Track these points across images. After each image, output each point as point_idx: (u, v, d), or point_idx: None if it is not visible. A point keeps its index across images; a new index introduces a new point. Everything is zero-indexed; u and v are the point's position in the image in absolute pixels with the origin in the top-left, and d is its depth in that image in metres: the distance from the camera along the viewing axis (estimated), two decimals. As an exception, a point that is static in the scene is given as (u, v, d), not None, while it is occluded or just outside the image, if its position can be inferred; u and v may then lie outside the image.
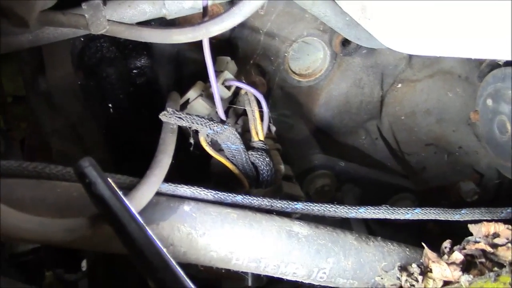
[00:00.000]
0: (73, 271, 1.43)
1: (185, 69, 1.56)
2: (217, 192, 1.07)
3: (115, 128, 1.53)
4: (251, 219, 1.06)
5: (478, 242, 1.08)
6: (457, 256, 1.06)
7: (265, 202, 1.10)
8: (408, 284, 1.07)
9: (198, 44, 1.12)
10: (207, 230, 1.01)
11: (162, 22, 1.34)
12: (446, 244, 1.11)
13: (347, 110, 1.77)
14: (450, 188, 1.82)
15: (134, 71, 1.55)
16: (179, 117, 1.15)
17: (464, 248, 1.08)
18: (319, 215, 1.13)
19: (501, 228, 1.11)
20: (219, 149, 1.22)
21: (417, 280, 1.07)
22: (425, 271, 1.09)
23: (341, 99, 1.75)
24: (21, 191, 0.93)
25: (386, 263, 1.12)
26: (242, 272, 1.10)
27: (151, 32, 1.05)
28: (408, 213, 1.14)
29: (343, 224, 1.28)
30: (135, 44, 1.51)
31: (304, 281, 1.11)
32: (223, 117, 1.26)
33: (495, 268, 1.02)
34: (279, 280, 1.11)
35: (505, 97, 1.55)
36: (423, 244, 1.12)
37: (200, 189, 1.06)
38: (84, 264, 1.43)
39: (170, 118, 1.15)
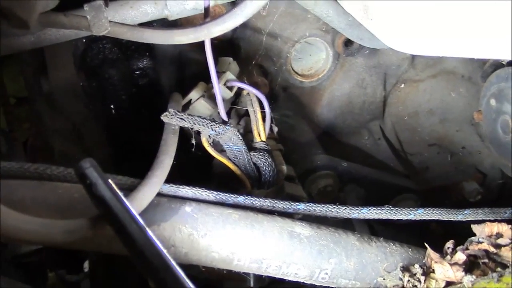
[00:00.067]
0: (75, 272, 1.43)
1: (187, 70, 1.56)
2: (218, 193, 1.06)
3: (117, 128, 1.53)
4: (253, 220, 1.05)
5: (481, 242, 1.08)
6: (460, 256, 1.05)
7: (267, 203, 1.09)
8: (410, 284, 1.07)
9: (200, 45, 1.12)
10: (209, 231, 1.01)
11: (164, 23, 1.35)
12: (449, 244, 1.11)
13: (349, 110, 1.77)
14: (453, 188, 1.82)
15: (136, 72, 1.54)
16: (181, 118, 1.15)
17: (467, 249, 1.08)
18: (321, 215, 1.13)
19: (504, 228, 1.11)
20: (221, 150, 1.22)
21: (419, 281, 1.07)
22: (427, 272, 1.08)
23: (343, 99, 1.75)
24: (22, 192, 0.93)
25: (388, 264, 1.11)
26: (243, 273, 1.10)
27: (153, 33, 1.04)
28: (411, 214, 1.14)
29: (346, 225, 1.27)
30: (137, 45, 1.51)
31: (306, 282, 1.10)
32: (225, 118, 1.26)
33: (498, 269, 1.02)
34: (281, 281, 1.10)
35: (509, 97, 1.55)
36: (425, 244, 1.11)
37: (202, 190, 1.05)
38: (86, 265, 1.43)
39: (172, 119, 1.15)
